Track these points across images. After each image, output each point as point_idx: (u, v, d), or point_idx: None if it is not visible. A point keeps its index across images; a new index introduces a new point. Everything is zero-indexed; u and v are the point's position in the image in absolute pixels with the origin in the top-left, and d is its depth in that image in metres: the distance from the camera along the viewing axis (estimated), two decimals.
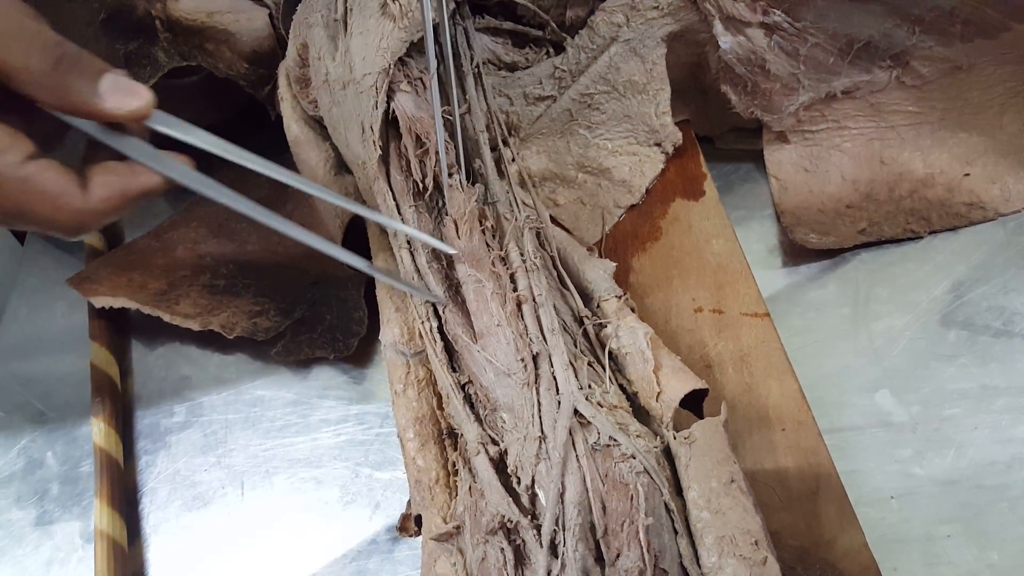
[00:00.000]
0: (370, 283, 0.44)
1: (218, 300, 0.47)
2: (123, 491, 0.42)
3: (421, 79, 0.36)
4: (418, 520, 0.31)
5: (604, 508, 0.26)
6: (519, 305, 0.31)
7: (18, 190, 0.26)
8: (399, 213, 0.34)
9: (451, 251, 0.31)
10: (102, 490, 0.41)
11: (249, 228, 0.52)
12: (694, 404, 0.31)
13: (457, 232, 0.33)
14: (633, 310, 0.33)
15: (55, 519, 0.43)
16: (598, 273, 0.35)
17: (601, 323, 0.33)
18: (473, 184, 0.34)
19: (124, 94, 0.27)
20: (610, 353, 0.32)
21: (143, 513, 0.41)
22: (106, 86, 0.27)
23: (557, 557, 0.26)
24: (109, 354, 0.47)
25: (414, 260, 0.33)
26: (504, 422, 0.29)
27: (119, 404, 0.46)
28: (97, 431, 0.43)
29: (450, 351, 0.32)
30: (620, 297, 0.33)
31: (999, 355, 0.34)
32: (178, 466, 0.43)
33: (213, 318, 0.46)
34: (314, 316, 0.45)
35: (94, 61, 0.27)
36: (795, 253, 0.40)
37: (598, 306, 0.34)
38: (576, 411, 0.28)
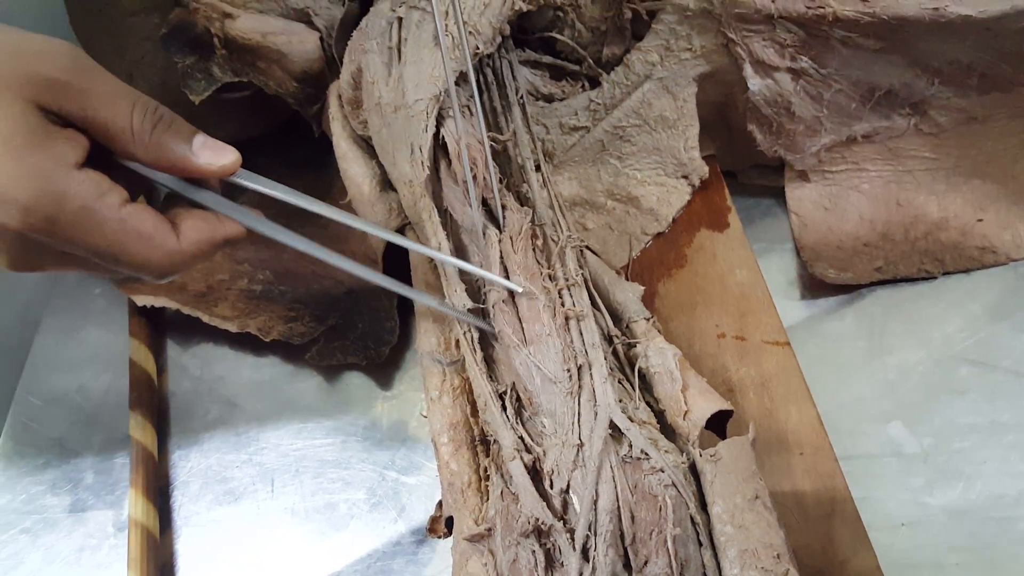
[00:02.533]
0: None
1: (255, 304, 0.49)
2: (156, 483, 0.43)
3: (468, 107, 0.39)
4: (448, 522, 0.33)
5: (633, 517, 0.28)
6: (567, 319, 0.33)
7: (117, 230, 0.28)
8: (443, 228, 0.36)
9: (516, 288, 0.34)
10: (137, 480, 0.42)
11: None
12: (718, 426, 0.33)
13: (513, 247, 0.35)
14: (660, 332, 0.35)
15: (88, 507, 0.44)
16: (628, 295, 0.36)
17: (630, 343, 0.35)
18: (522, 206, 0.37)
19: (215, 153, 0.31)
20: (639, 372, 0.33)
21: (175, 505, 0.43)
22: (199, 145, 0.30)
23: (588, 561, 0.27)
24: (147, 351, 0.49)
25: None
26: (544, 427, 0.31)
27: (155, 399, 0.47)
28: (134, 423, 0.45)
29: (488, 361, 0.34)
30: (648, 319, 0.35)
31: (1008, 392, 0.36)
32: (210, 462, 0.44)
33: (250, 320, 0.47)
34: (347, 324, 0.47)
35: (186, 124, 0.31)
36: (814, 286, 0.42)
37: (627, 327, 0.35)
38: (612, 423, 0.30)
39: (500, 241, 0.35)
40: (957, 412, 0.36)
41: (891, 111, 0.43)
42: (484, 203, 0.36)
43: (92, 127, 0.29)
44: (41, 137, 0.27)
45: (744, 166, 0.47)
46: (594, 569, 0.27)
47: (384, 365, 0.45)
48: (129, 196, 0.29)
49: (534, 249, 0.35)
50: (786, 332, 0.38)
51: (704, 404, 0.31)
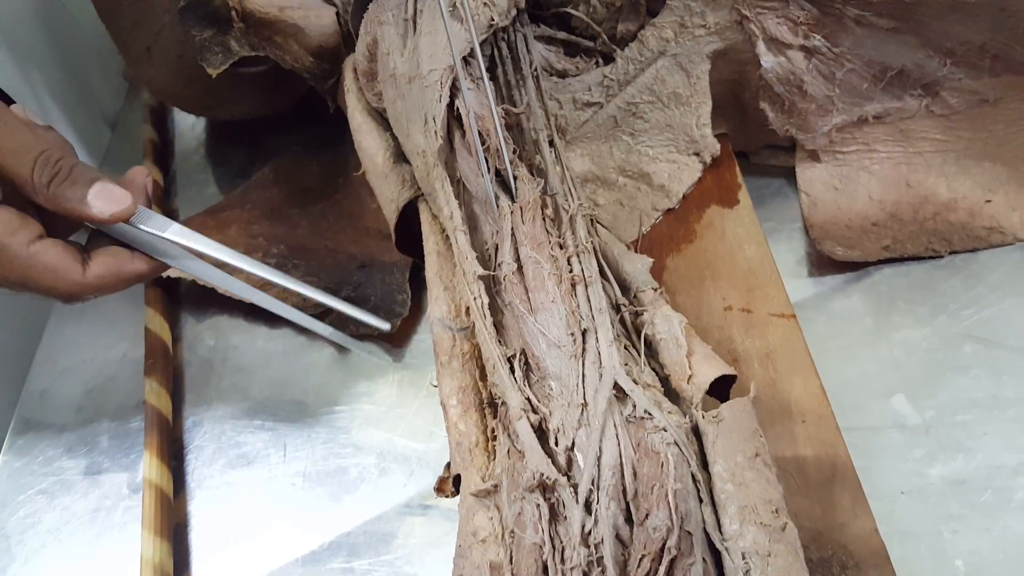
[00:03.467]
0: (416, 267, 0.47)
1: None
2: (171, 447, 0.44)
3: (482, 78, 0.39)
4: (455, 481, 0.34)
5: (635, 473, 0.28)
6: (573, 285, 0.33)
7: (25, 265, 0.33)
8: (456, 198, 0.37)
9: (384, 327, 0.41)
10: (151, 443, 0.43)
11: (300, 213, 0.55)
12: (721, 393, 0.33)
13: (522, 218, 0.35)
14: (667, 302, 0.36)
15: (104, 469, 0.46)
16: (636, 266, 0.37)
17: (637, 311, 0.35)
18: (534, 177, 0.37)
19: (108, 201, 0.33)
20: (645, 339, 0.34)
21: (188, 468, 0.44)
22: (93, 195, 0.33)
23: (591, 514, 0.28)
24: (163, 320, 0.50)
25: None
26: (551, 389, 0.32)
27: (170, 366, 0.48)
28: (149, 389, 0.46)
29: (497, 327, 0.35)
30: (656, 289, 0.36)
31: (1012, 369, 0.36)
32: (224, 427, 0.45)
33: (265, 291, 0.48)
34: (359, 297, 0.48)
35: (85, 173, 0.34)
36: (822, 264, 0.42)
37: (635, 296, 0.36)
38: (616, 384, 0.30)
39: (512, 212, 0.36)
40: (960, 387, 0.36)
41: (903, 92, 0.43)
42: (497, 174, 0.37)
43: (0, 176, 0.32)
44: None
45: (755, 146, 0.47)
46: (596, 521, 0.27)
47: (395, 336, 0.46)
48: (44, 230, 0.33)
49: (544, 219, 0.35)
50: (792, 306, 0.38)
51: (708, 369, 0.32)
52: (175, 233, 0.36)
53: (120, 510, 0.44)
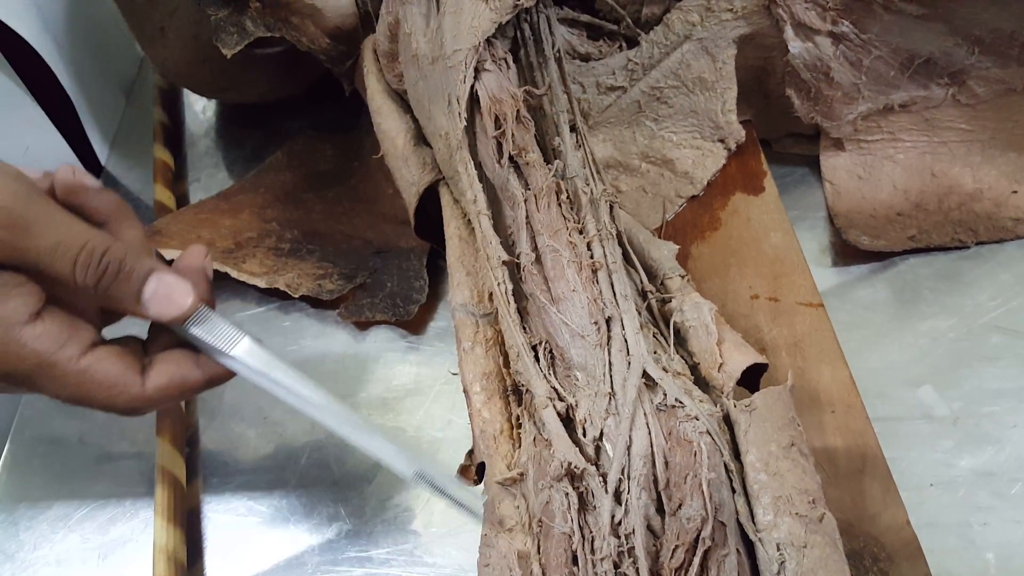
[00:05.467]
0: (433, 253, 0.46)
1: (283, 262, 0.49)
2: (184, 433, 0.44)
3: (505, 60, 0.38)
4: (479, 469, 0.33)
5: (667, 463, 0.28)
6: (594, 271, 0.32)
7: (77, 382, 0.28)
8: (480, 181, 0.36)
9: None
10: (164, 430, 0.43)
11: (314, 197, 0.54)
12: (751, 383, 0.33)
13: (536, 205, 0.35)
14: (694, 290, 0.35)
15: (116, 456, 0.45)
16: (662, 253, 0.36)
17: (664, 298, 0.35)
18: (551, 161, 0.36)
19: (166, 301, 0.29)
20: (673, 326, 0.33)
21: (201, 455, 0.43)
22: (149, 293, 0.29)
23: (621, 504, 0.28)
24: None
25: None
26: (578, 380, 0.31)
27: None
28: None
29: (522, 313, 0.34)
30: (683, 276, 0.35)
31: None
32: (236, 415, 0.45)
33: (279, 277, 0.48)
34: (376, 283, 0.47)
35: (137, 265, 0.29)
36: (847, 254, 0.42)
37: (662, 283, 0.35)
38: (645, 373, 0.30)
39: (526, 200, 0.35)
40: (987, 378, 0.36)
41: (929, 80, 0.43)
42: (513, 161, 0.36)
43: (39, 279, 0.28)
44: None
45: (779, 134, 0.47)
46: (627, 511, 0.27)
47: (411, 323, 0.45)
48: (96, 330, 0.29)
49: (560, 204, 0.34)
50: (820, 295, 0.38)
51: (740, 357, 0.31)
52: (245, 352, 0.30)
53: (132, 497, 0.43)
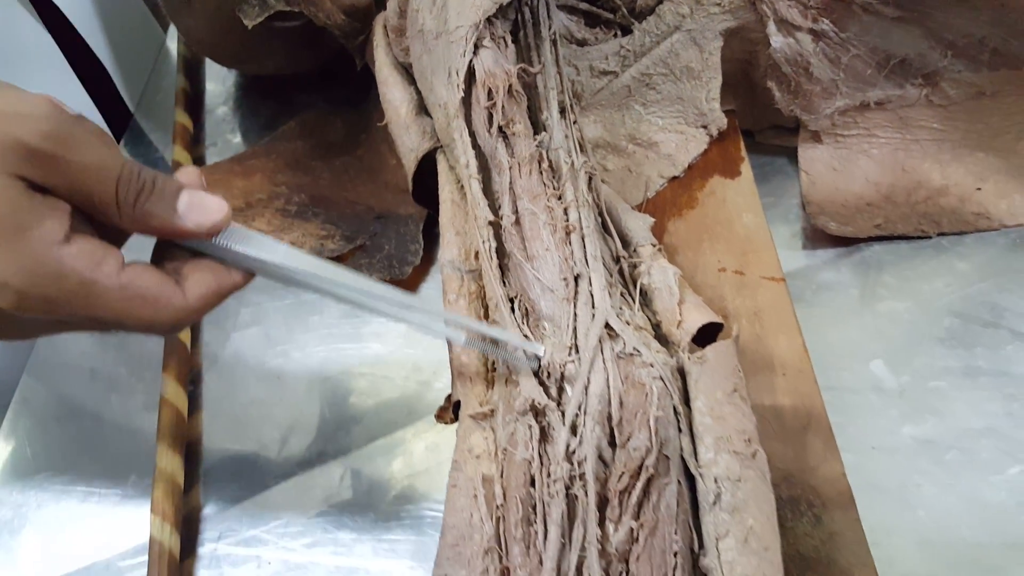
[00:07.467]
0: (429, 221, 0.49)
1: (289, 222, 0.53)
2: (188, 372, 0.47)
3: (504, 39, 0.41)
4: (455, 408, 0.36)
5: (621, 402, 0.31)
6: (568, 233, 0.35)
7: (120, 298, 0.27)
8: (473, 148, 0.39)
9: (538, 351, 0.33)
10: (170, 367, 0.46)
11: (322, 165, 0.57)
12: (707, 342, 0.35)
13: (519, 172, 0.38)
14: (664, 257, 0.38)
15: (123, 390, 0.48)
16: (638, 224, 0.39)
17: (635, 263, 0.37)
18: (539, 134, 0.39)
19: (204, 212, 0.29)
20: (641, 288, 0.36)
21: (204, 392, 0.47)
22: (184, 207, 0.29)
23: (576, 435, 0.30)
24: None
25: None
26: (546, 329, 0.34)
27: None
28: None
29: (503, 269, 0.37)
30: (655, 245, 0.38)
31: (986, 342, 0.38)
32: (240, 355, 0.48)
33: (284, 235, 0.51)
34: (374, 245, 0.50)
35: (169, 182, 0.29)
36: (815, 238, 0.44)
37: (634, 250, 0.38)
38: (608, 324, 0.32)
39: (510, 168, 0.38)
40: (936, 356, 0.38)
41: (904, 80, 0.45)
42: (502, 131, 0.39)
43: (75, 199, 0.27)
44: (26, 214, 0.25)
45: (761, 125, 0.49)
46: (581, 441, 0.30)
47: (406, 283, 0.48)
48: (120, 252, 0.28)
49: (541, 172, 0.37)
50: (783, 271, 0.40)
51: (697, 316, 0.34)
52: (285, 256, 0.31)
53: (137, 423, 0.46)
